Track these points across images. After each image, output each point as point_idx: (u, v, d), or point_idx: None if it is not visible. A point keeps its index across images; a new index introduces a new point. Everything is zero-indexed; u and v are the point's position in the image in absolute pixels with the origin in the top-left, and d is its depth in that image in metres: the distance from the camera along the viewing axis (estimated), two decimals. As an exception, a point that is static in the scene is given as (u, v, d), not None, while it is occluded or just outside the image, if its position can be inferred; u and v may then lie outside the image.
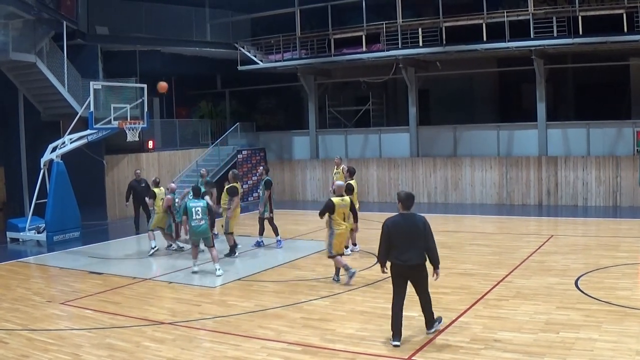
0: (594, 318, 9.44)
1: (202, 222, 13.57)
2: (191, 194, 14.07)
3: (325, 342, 8.99)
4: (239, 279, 13.12)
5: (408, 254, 8.59)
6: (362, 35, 25.60)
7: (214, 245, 13.84)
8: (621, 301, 10.22)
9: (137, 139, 20.43)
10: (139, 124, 19.81)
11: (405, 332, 8.73)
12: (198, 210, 13.58)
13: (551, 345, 8.36)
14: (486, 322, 9.55)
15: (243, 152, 27.99)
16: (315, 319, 10.14)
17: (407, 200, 8.86)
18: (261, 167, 18.37)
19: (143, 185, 19.79)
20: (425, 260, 8.70)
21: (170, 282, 13.09)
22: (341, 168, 18.71)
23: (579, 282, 11.68)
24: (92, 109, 18.52)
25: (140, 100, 19.94)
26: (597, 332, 8.79)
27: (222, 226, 15.76)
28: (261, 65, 27.73)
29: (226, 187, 15.73)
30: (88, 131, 19.02)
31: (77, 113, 19.98)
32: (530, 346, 8.37)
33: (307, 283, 12.68)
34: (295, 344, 8.90)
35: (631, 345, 8.26)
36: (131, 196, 20.02)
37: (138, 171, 20.91)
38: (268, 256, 15.62)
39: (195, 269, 13.79)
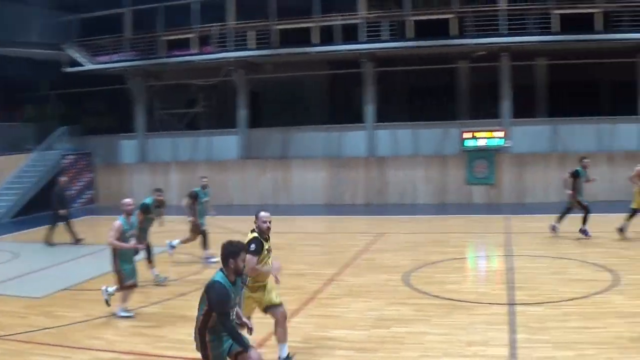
0: (424, 312, 9.55)
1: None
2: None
3: (156, 349, 8.55)
4: (64, 289, 12.16)
5: None
6: (193, 37, 24.96)
7: None
8: (450, 294, 10.42)
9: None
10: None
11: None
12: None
13: (383, 341, 8.36)
14: (319, 321, 9.41)
15: (68, 157, 26.38)
16: (146, 326, 9.62)
17: None
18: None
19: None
20: None
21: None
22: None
23: (409, 278, 11.80)
24: None
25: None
26: (428, 326, 8.89)
27: None
28: (87, 67, 26.33)
29: None
30: None
31: None
32: (363, 342, 8.32)
33: (137, 290, 11.87)
34: (126, 353, 8.39)
35: (461, 337, 8.37)
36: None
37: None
38: (93, 264, 14.39)
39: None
